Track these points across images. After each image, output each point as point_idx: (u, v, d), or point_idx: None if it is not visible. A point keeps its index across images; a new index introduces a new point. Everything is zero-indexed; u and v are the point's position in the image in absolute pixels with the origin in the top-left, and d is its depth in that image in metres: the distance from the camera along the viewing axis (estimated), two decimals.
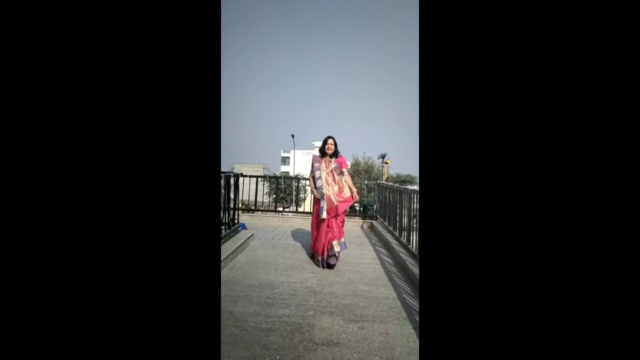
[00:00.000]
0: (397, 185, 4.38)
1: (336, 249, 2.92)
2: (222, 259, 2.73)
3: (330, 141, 3.05)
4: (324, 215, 2.92)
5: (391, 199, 4.48)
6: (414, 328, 1.87)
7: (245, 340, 1.66)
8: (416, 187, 3.17)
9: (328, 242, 2.93)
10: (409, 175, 23.06)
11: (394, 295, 2.37)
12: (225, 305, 2.04)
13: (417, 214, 3.17)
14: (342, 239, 3.03)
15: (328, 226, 2.95)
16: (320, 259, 2.95)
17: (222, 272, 2.66)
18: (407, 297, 2.32)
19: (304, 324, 1.86)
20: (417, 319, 1.96)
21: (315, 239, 3.02)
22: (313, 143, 30.19)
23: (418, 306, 2.16)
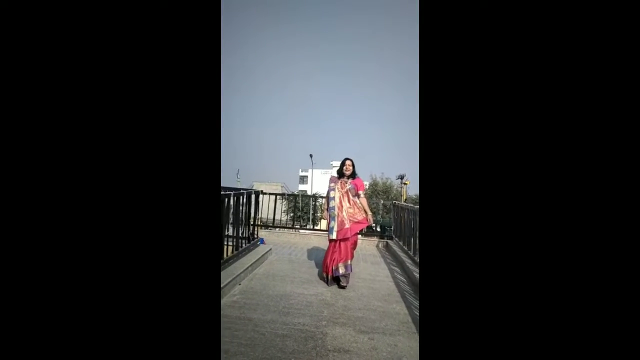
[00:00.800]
0: (411, 205, 4.46)
1: (341, 270, 2.89)
2: (242, 270, 2.91)
3: (348, 162, 3.12)
4: (333, 236, 2.96)
5: (406, 219, 4.55)
6: None
7: (263, 343, 1.80)
8: None
9: (334, 263, 2.93)
10: None
11: (405, 311, 2.45)
12: (244, 313, 2.20)
13: None
14: (349, 261, 2.98)
15: (335, 247, 2.97)
16: (326, 277, 2.99)
17: (242, 282, 2.84)
18: (417, 313, 2.39)
19: (317, 332, 1.98)
20: None
21: (326, 261, 3.04)
22: (331, 163, 30.55)
23: None
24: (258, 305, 2.35)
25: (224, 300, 2.38)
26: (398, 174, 22.49)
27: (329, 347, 1.82)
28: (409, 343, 1.93)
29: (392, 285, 3.13)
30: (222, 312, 2.17)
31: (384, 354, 1.79)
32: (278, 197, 6.36)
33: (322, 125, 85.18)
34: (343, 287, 2.89)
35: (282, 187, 27.68)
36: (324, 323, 2.13)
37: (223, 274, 2.68)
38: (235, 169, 25.91)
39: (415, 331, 2.10)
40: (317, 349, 1.79)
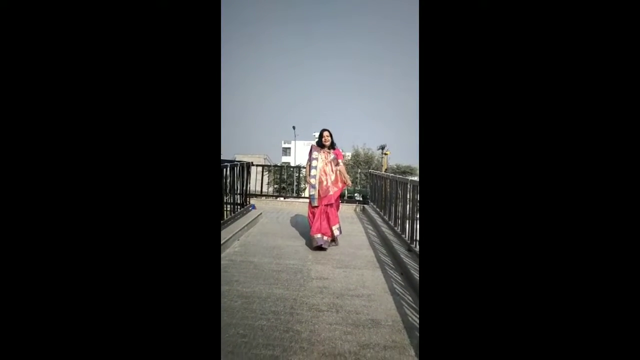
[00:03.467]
0: (385, 173, 5.08)
1: (335, 233, 3.24)
2: (239, 229, 3.48)
3: (325, 133, 3.29)
4: (315, 203, 3.22)
5: (378, 185, 5.21)
6: (382, 272, 2.62)
7: (264, 276, 2.41)
8: (413, 178, 3.33)
9: (329, 227, 3.18)
10: (408, 167, 23.58)
11: (372, 254, 3.13)
12: (246, 258, 2.80)
13: (397, 197, 3.88)
14: (338, 224, 3.30)
15: (323, 212, 3.19)
16: (321, 237, 3.12)
17: (240, 238, 3.42)
18: (382, 255, 3.07)
19: (304, 268, 2.62)
20: (387, 269, 2.71)
21: (315, 225, 3.16)
22: (314, 134, 30.58)
23: (389, 260, 2.91)
24: (256, 253, 2.96)
25: (227, 251, 2.96)
26: (379, 144, 23.10)
27: (313, 276, 2.46)
28: (372, 273, 2.59)
29: (364, 238, 3.81)
30: (227, 258, 2.76)
31: (353, 279, 2.44)
32: (265, 168, 6.85)
33: (305, 97, 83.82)
34: (324, 249, 3.11)
35: (264, 158, 27.86)
36: (309, 263, 2.76)
37: (224, 232, 3.24)
38: None
39: (378, 267, 2.77)
40: (304, 278, 2.42)
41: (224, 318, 1.74)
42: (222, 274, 2.42)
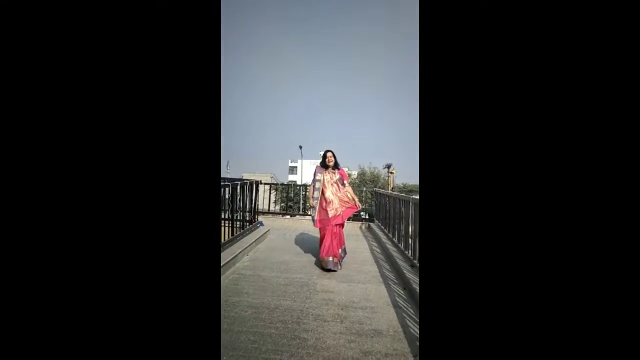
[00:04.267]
0: (389, 192, 5.21)
1: (341, 254, 3.27)
2: (249, 244, 3.62)
3: (329, 154, 3.36)
4: (314, 224, 3.27)
5: (383, 203, 5.33)
6: (385, 287, 2.72)
7: (272, 289, 2.53)
8: (415, 197, 3.33)
9: (337, 247, 3.18)
10: (415, 185, 23.61)
11: (377, 270, 3.23)
12: (255, 272, 2.93)
13: (400, 214, 4.00)
14: (344, 245, 3.35)
15: (332, 233, 3.19)
16: (332, 260, 3.11)
17: (249, 253, 3.55)
18: (386, 271, 3.17)
19: (310, 282, 2.73)
20: (390, 283, 2.80)
21: (323, 245, 3.19)
22: (320, 153, 31.12)
23: (393, 275, 3.00)
24: (264, 267, 3.09)
25: (237, 265, 3.10)
26: (385, 163, 23.22)
27: (318, 289, 2.57)
28: (376, 287, 2.69)
29: (369, 254, 3.91)
30: (237, 272, 2.90)
31: (357, 293, 2.54)
32: (272, 186, 7.04)
33: (311, 117, 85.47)
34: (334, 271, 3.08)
35: (271, 177, 28.23)
36: (314, 277, 2.87)
37: (234, 246, 3.39)
38: (225, 161, 26.25)
39: (382, 282, 2.86)
40: (310, 291, 2.53)
41: (235, 326, 1.87)
42: (233, 286, 2.56)
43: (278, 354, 1.62)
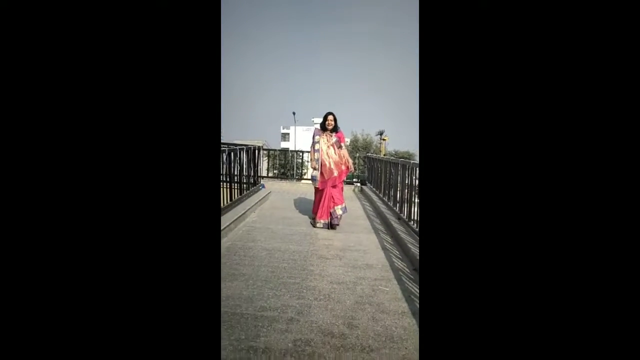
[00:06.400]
0: (381, 156, 5.60)
1: (338, 212, 3.41)
2: (254, 203, 4.04)
3: (330, 117, 3.41)
4: (316, 184, 3.44)
5: (375, 167, 5.76)
6: (376, 236, 3.21)
7: (280, 237, 2.99)
8: (402, 159, 3.50)
9: (331, 207, 3.38)
10: (407, 152, 23.98)
11: (368, 223, 3.72)
12: (264, 224, 3.39)
13: (390, 175, 4.42)
14: (344, 204, 3.48)
15: (326, 194, 3.37)
16: (324, 222, 3.38)
17: (255, 211, 3.99)
18: (376, 224, 3.66)
19: (311, 232, 3.20)
20: (380, 233, 3.29)
21: (317, 206, 3.44)
22: (312, 120, 30.98)
23: (382, 227, 3.49)
24: (271, 221, 3.54)
25: (247, 220, 3.53)
26: (378, 129, 23.40)
27: (319, 238, 3.05)
28: (368, 236, 3.18)
29: (361, 211, 4.39)
30: (248, 225, 3.34)
31: (352, 240, 3.03)
32: (266, 152, 7.36)
33: (304, 83, 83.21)
34: (334, 227, 3.36)
35: (263, 144, 28.20)
36: (315, 230, 3.34)
37: (242, 205, 3.81)
38: None
39: (373, 231, 3.35)
40: (313, 239, 3.01)
41: (255, 262, 2.33)
42: (247, 235, 3.00)
43: (292, 279, 2.08)
